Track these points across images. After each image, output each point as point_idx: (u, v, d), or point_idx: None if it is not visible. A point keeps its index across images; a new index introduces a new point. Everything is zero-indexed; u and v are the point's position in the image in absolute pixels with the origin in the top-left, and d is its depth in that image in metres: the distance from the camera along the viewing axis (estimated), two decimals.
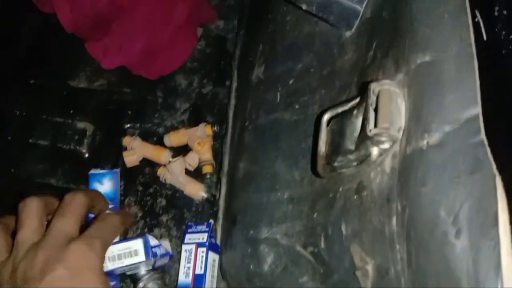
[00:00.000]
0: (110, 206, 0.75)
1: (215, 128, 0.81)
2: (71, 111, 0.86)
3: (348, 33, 0.63)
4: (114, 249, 0.67)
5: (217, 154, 0.83)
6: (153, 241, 0.69)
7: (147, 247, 0.67)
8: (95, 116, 0.86)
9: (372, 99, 0.40)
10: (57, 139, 0.83)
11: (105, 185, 0.76)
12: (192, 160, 0.80)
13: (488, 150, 0.32)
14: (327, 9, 0.60)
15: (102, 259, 0.56)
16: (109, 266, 0.65)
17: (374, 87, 0.40)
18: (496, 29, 0.40)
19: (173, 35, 0.91)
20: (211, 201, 0.78)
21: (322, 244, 0.51)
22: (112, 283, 0.65)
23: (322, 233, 0.51)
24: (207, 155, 0.81)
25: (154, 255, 0.68)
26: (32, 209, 0.56)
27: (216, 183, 0.81)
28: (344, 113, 0.47)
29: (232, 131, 0.81)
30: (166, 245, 0.75)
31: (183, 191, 0.79)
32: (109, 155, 0.84)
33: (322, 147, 0.48)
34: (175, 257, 0.74)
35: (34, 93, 0.88)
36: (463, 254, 0.30)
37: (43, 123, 0.85)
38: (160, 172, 0.80)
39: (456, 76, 0.36)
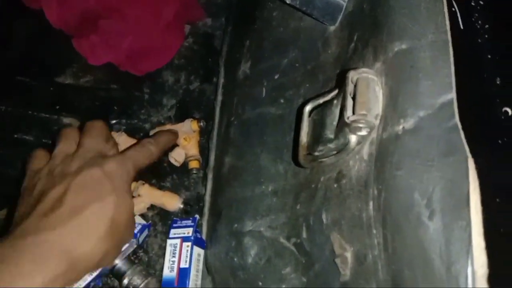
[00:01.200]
0: None
1: (201, 124, 0.81)
2: (57, 107, 0.85)
3: (332, 28, 0.64)
4: None
5: (204, 150, 0.83)
6: None
7: None
8: (81, 112, 0.86)
9: (351, 87, 0.40)
10: (43, 134, 0.83)
11: None
12: (178, 156, 0.80)
13: (462, 134, 0.33)
14: (310, 3, 0.60)
15: (131, 180, 0.61)
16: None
17: (352, 75, 0.40)
18: (473, 19, 0.41)
19: (161, 33, 0.91)
20: (188, 212, 0.77)
21: (304, 234, 0.51)
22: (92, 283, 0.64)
23: (304, 224, 0.51)
24: (194, 150, 0.81)
25: (135, 236, 0.68)
26: (67, 131, 0.63)
27: (203, 178, 0.81)
28: (325, 103, 0.48)
29: (218, 126, 0.81)
30: (138, 220, 0.74)
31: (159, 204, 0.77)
32: None
33: (304, 137, 0.48)
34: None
35: (21, 90, 0.87)
36: (436, 235, 0.31)
37: (29, 119, 0.84)
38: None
39: (432, 63, 0.37)
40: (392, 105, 0.38)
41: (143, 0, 0.88)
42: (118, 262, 0.68)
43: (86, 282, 0.62)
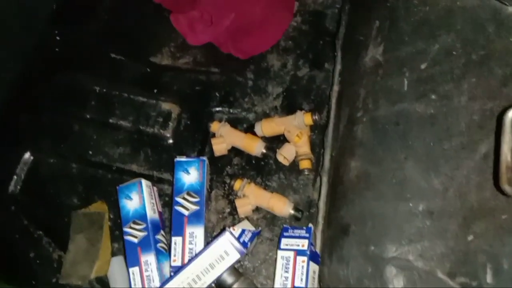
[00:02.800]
0: (194, 200, 0.67)
1: (316, 117, 0.70)
2: (155, 90, 0.78)
3: (510, 9, 0.50)
4: (201, 262, 0.59)
5: (314, 147, 0.72)
6: (235, 232, 0.61)
7: (233, 242, 0.59)
8: (180, 97, 0.77)
9: None
10: (140, 121, 0.75)
11: (191, 175, 0.68)
12: (288, 153, 0.70)
13: None
14: None
15: None
16: (206, 281, 0.58)
17: None
18: None
19: (265, 9, 0.80)
20: (299, 218, 0.68)
21: (489, 279, 0.39)
22: None
23: (489, 265, 0.40)
24: (305, 148, 0.70)
25: (245, 245, 0.60)
26: None
27: (314, 181, 0.71)
28: None
29: (335, 121, 0.69)
30: (247, 225, 0.66)
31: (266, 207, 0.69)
32: (194, 141, 0.75)
33: (508, 154, 0.36)
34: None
35: (115, 69, 0.80)
36: None
37: (124, 102, 0.77)
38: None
39: None
40: None
41: None
42: (224, 273, 0.60)
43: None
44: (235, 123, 0.75)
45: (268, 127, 0.72)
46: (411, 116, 0.56)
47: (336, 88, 0.73)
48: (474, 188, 0.45)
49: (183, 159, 0.69)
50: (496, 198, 0.41)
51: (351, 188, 0.60)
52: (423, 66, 0.57)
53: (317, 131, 0.73)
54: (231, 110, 0.76)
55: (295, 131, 0.69)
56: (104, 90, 0.78)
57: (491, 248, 0.39)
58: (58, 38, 0.82)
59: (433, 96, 0.54)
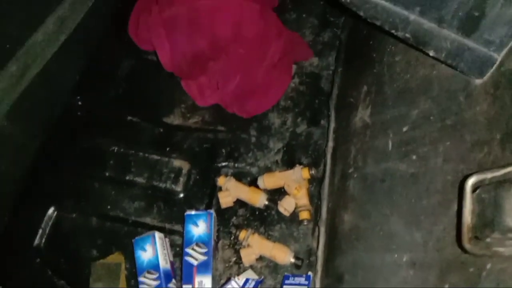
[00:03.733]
0: (203, 251, 0.73)
1: (313, 172, 0.77)
2: (167, 149, 0.86)
3: (477, 81, 0.57)
4: None
5: (313, 198, 0.79)
6: (240, 282, 0.66)
7: None
8: (190, 155, 0.85)
9: None
10: (154, 177, 0.83)
11: (200, 227, 0.74)
12: (288, 205, 0.76)
13: None
14: (458, 56, 0.54)
15: None
16: None
17: None
18: None
19: (267, 73, 0.89)
20: (299, 266, 0.73)
21: None
22: None
23: None
24: (304, 200, 0.77)
25: None
26: None
27: (313, 231, 0.77)
28: (497, 182, 0.41)
29: (331, 175, 0.76)
30: (251, 275, 0.71)
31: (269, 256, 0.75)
32: (203, 194, 0.82)
33: (468, 217, 0.42)
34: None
35: (132, 130, 0.89)
36: None
37: (140, 160, 0.85)
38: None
39: None
40: None
41: (249, 41, 0.87)
42: None
43: None
44: (239, 177, 0.82)
45: (269, 181, 0.79)
46: (395, 175, 0.62)
47: (331, 144, 0.80)
48: (449, 242, 0.51)
49: (193, 212, 0.75)
50: (465, 253, 0.47)
51: (345, 240, 0.66)
52: (405, 129, 0.64)
53: (315, 183, 0.80)
54: (236, 165, 0.84)
55: (294, 184, 0.76)
56: (122, 150, 0.86)
57: None
58: (80, 103, 0.92)
59: (414, 157, 0.61)
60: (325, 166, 0.78)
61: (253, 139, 0.86)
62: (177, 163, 0.84)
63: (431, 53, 0.56)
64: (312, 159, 0.83)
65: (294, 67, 0.93)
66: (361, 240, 0.62)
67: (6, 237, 0.80)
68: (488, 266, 0.43)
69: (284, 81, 0.90)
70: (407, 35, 0.56)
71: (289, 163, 0.83)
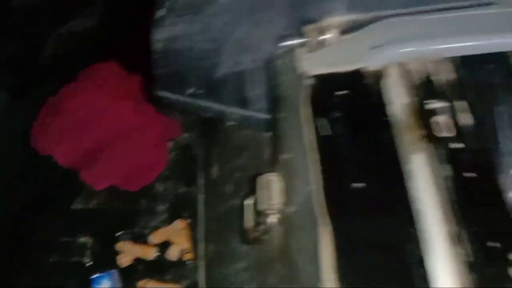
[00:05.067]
0: None
1: (188, 221, 0.99)
2: (74, 230, 1.05)
3: None
4: None
5: (195, 241, 1.00)
6: None
7: None
8: (94, 230, 1.05)
9: None
10: (64, 255, 1.01)
11: (104, 286, 0.92)
12: (173, 253, 0.97)
13: None
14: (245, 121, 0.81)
15: None
16: None
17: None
18: None
19: (149, 153, 1.12)
20: None
21: None
22: None
23: None
24: (186, 244, 0.98)
25: None
26: None
27: (196, 267, 0.97)
28: None
29: (205, 221, 0.98)
30: None
31: None
32: (108, 260, 1.01)
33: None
34: None
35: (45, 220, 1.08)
36: None
37: (52, 244, 1.03)
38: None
39: None
40: None
41: (129, 131, 1.11)
42: None
43: None
44: (135, 239, 1.02)
45: (156, 237, 0.99)
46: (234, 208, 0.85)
47: (200, 196, 1.03)
48: None
49: (97, 275, 0.94)
50: None
51: (211, 266, 0.87)
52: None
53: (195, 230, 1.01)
54: (132, 230, 1.04)
55: (174, 235, 0.97)
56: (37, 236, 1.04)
57: None
58: None
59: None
60: (198, 214, 1.00)
61: (143, 206, 1.07)
62: (82, 240, 1.02)
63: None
64: (192, 212, 1.05)
65: (170, 143, 1.17)
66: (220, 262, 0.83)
67: None
68: None
69: (163, 156, 1.14)
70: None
71: (174, 218, 1.04)
